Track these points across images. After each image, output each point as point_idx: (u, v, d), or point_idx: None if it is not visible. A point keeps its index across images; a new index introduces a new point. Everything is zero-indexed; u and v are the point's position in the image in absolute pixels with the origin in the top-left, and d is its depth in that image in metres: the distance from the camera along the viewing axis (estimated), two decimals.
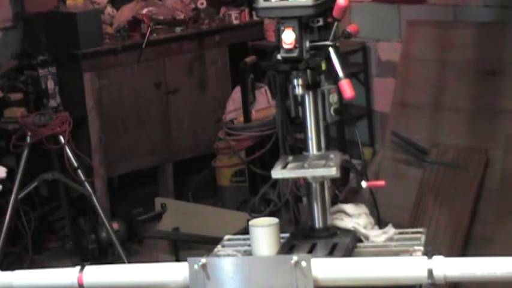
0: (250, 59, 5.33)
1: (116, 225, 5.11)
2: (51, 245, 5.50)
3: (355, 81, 5.29)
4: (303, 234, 2.38)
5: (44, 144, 4.87)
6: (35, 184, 4.95)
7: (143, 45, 5.61)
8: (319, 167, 2.26)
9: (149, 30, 5.71)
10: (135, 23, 5.82)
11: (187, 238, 4.73)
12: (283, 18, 2.23)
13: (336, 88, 2.30)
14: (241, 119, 5.49)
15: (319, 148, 2.36)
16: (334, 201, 2.45)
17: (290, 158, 2.35)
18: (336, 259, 2.15)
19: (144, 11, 5.86)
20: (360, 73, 5.40)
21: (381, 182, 2.52)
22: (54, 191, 5.49)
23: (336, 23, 2.26)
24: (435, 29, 4.75)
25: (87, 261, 4.59)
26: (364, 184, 2.41)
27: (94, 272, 2.26)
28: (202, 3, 6.13)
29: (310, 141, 2.35)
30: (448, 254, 2.01)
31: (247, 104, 5.37)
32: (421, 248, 2.28)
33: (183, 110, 5.91)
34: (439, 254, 1.98)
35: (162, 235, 4.99)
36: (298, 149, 2.41)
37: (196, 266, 2.05)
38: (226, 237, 2.57)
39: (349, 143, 4.98)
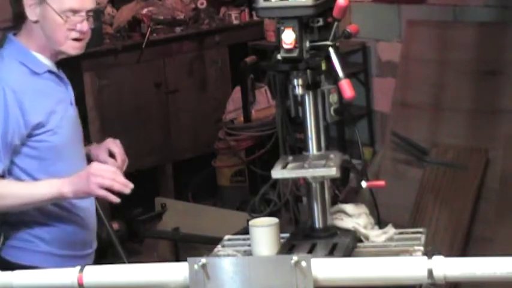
0: (250, 59, 5.34)
1: (115, 225, 5.10)
2: None
3: (355, 81, 5.29)
4: (303, 234, 2.38)
5: None
6: None
7: (143, 45, 5.61)
8: (319, 167, 2.26)
9: (149, 30, 5.71)
10: (135, 23, 5.83)
11: (187, 238, 4.73)
12: (283, 18, 2.23)
13: (336, 88, 2.30)
14: (241, 119, 5.49)
15: (319, 148, 2.35)
16: (334, 201, 2.45)
17: (290, 158, 2.35)
18: (336, 259, 2.15)
19: (144, 11, 5.86)
20: (360, 73, 5.40)
21: (381, 182, 2.52)
22: None
23: (336, 23, 2.26)
24: (435, 29, 4.75)
25: None
26: (364, 184, 2.41)
27: (94, 272, 2.26)
28: (202, 3, 6.13)
29: (310, 141, 2.35)
30: (448, 254, 2.01)
31: (247, 104, 5.38)
32: (421, 248, 2.27)
33: (183, 110, 5.91)
34: (439, 254, 1.98)
35: (162, 235, 5.00)
36: (298, 149, 2.41)
37: (196, 266, 2.04)
38: (226, 237, 2.57)
39: (349, 143, 4.98)
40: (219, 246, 2.49)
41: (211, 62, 6.02)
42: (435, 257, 1.96)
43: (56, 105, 2.67)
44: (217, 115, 5.84)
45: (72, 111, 2.77)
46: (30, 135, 2.63)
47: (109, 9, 5.92)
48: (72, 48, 2.70)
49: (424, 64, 4.71)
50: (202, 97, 5.99)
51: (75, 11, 2.62)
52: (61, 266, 2.61)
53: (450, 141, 4.48)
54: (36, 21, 2.65)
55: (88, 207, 2.83)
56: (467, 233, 4.24)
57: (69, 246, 2.79)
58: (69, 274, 2.25)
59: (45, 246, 2.77)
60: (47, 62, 2.72)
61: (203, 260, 2.04)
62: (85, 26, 2.66)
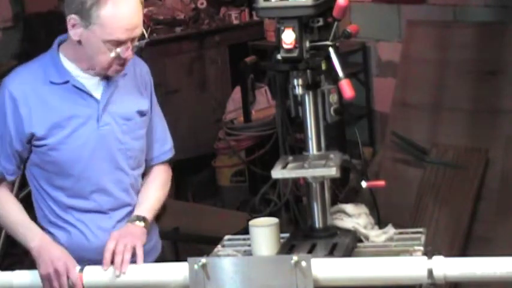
0: (250, 59, 5.33)
1: None
2: None
3: (355, 81, 5.29)
4: (303, 234, 2.38)
5: None
6: None
7: (143, 45, 5.61)
8: (319, 167, 2.26)
9: (149, 30, 5.71)
10: None
11: (187, 238, 4.73)
12: (283, 18, 2.23)
13: (336, 88, 2.30)
14: (241, 119, 5.49)
15: (319, 148, 2.36)
16: (334, 201, 2.45)
17: (290, 158, 2.35)
18: (336, 259, 2.15)
19: (144, 11, 5.84)
20: (360, 73, 5.40)
21: (381, 182, 2.52)
22: None
23: (336, 23, 2.27)
24: (435, 29, 4.75)
25: None
26: (364, 184, 2.41)
27: (94, 272, 2.26)
28: (202, 3, 6.13)
29: (310, 141, 2.36)
30: (448, 254, 2.02)
31: (247, 104, 5.37)
32: (421, 248, 2.28)
33: (183, 110, 5.90)
34: (439, 254, 1.98)
35: (161, 235, 4.98)
36: (298, 149, 2.41)
37: (196, 266, 2.05)
38: (226, 237, 2.58)
39: (349, 143, 4.98)
40: (219, 246, 2.49)
41: (211, 62, 6.01)
42: (435, 257, 1.96)
43: (64, 120, 2.48)
44: (217, 115, 5.84)
45: (94, 129, 2.51)
46: (32, 144, 2.50)
47: None
48: (115, 72, 2.54)
49: (424, 64, 4.71)
50: (202, 97, 5.98)
51: (121, 42, 2.50)
52: None
53: (450, 141, 4.47)
54: (79, 41, 2.47)
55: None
56: (467, 233, 4.23)
57: None
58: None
59: None
60: (78, 73, 2.52)
61: (203, 260, 2.05)
62: (130, 54, 2.55)
